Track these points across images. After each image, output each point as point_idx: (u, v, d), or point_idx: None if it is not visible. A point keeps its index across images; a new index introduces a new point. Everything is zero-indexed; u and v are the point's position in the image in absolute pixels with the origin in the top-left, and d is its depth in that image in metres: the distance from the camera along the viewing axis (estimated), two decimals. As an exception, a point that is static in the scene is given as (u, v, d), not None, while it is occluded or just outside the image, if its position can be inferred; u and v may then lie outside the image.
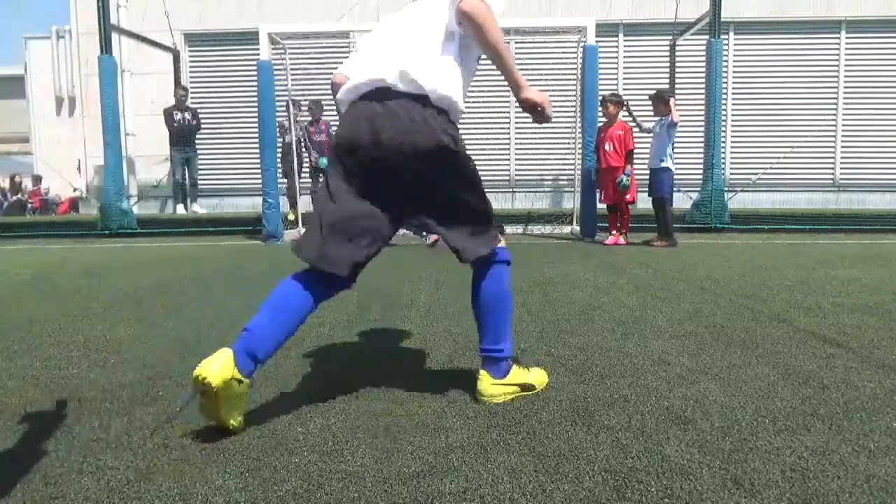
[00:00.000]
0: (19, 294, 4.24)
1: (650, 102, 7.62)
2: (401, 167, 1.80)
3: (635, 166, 7.49)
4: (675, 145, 7.60)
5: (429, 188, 1.85)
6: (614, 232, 7.61)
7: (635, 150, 7.49)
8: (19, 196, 15.71)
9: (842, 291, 3.94)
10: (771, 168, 11.35)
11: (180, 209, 11.17)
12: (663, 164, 7.33)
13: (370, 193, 1.84)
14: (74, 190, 13.96)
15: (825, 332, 2.83)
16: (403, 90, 1.81)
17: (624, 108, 7.64)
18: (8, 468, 1.52)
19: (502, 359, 1.99)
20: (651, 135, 7.54)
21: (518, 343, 2.66)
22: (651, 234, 7.54)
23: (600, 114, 8.10)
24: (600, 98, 8.05)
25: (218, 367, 1.65)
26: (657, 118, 7.48)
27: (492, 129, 11.92)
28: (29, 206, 15.43)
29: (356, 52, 2.16)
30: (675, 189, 7.87)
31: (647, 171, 7.55)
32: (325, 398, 2.00)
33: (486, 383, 1.95)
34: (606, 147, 7.54)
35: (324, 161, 8.15)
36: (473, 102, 11.92)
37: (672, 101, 7.36)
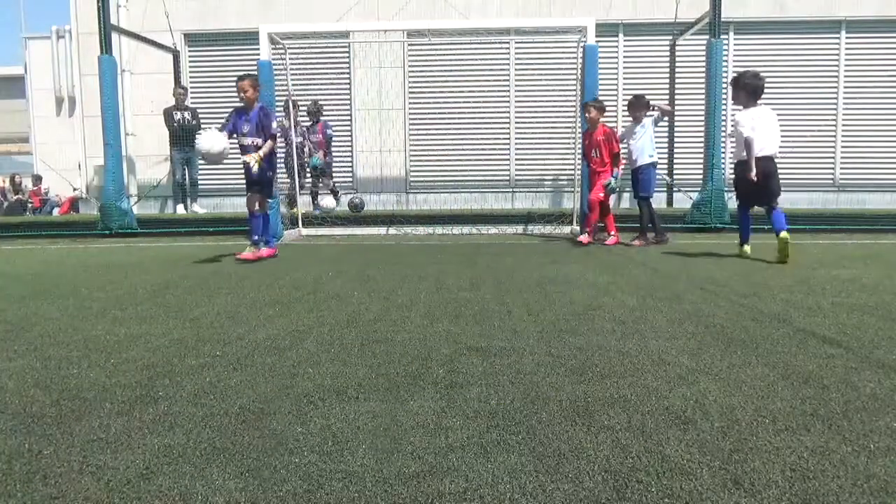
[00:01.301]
0: (19, 294, 4.24)
1: (628, 109, 7.70)
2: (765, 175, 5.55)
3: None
4: (676, 146, 7.63)
5: (771, 180, 5.61)
6: (613, 232, 7.61)
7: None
8: (20, 196, 15.68)
9: (842, 291, 3.94)
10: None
11: (180, 209, 11.18)
12: (652, 159, 7.39)
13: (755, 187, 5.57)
14: (74, 190, 13.96)
15: (825, 332, 2.83)
16: (771, 155, 5.63)
17: (652, 108, 7.66)
18: (8, 468, 1.52)
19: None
20: (631, 139, 7.57)
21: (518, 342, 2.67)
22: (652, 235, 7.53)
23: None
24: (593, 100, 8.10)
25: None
26: (633, 122, 7.54)
27: (492, 129, 11.93)
28: (29, 205, 15.42)
29: (749, 128, 5.56)
30: (675, 189, 7.92)
31: (634, 172, 7.57)
32: (325, 398, 2.00)
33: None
34: (593, 154, 7.55)
35: (316, 160, 8.08)
36: (475, 104, 11.92)
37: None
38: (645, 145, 7.42)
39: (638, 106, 7.48)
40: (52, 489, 1.41)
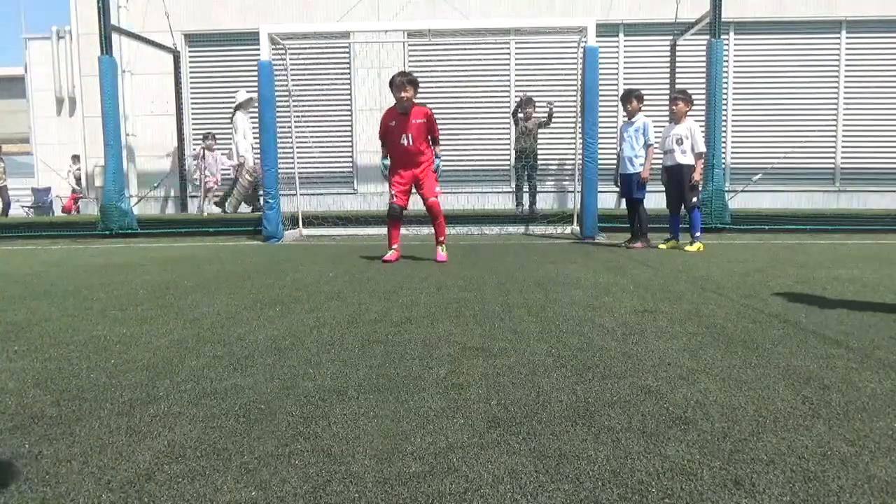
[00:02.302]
0: (19, 294, 4.24)
1: (622, 102, 7.51)
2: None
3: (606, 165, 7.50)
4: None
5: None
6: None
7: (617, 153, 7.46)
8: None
9: (842, 291, 3.94)
10: (772, 168, 11.36)
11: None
12: (642, 166, 7.24)
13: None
14: (78, 193, 14.01)
15: (825, 332, 2.83)
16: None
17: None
18: (8, 469, 1.52)
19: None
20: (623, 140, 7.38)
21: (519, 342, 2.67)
22: (651, 236, 7.52)
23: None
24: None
25: None
26: (627, 119, 7.42)
27: (493, 129, 11.93)
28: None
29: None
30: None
31: (620, 175, 7.41)
32: (326, 398, 2.00)
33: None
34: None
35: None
36: (475, 104, 11.92)
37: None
38: (635, 152, 7.29)
39: (635, 100, 7.32)
40: (52, 489, 1.41)
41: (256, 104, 10.50)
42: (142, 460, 1.55)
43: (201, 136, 11.52)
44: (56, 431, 1.75)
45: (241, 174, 10.68)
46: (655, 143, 7.28)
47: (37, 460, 1.56)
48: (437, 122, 6.04)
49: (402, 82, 5.74)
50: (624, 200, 7.68)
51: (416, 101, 5.84)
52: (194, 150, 11.73)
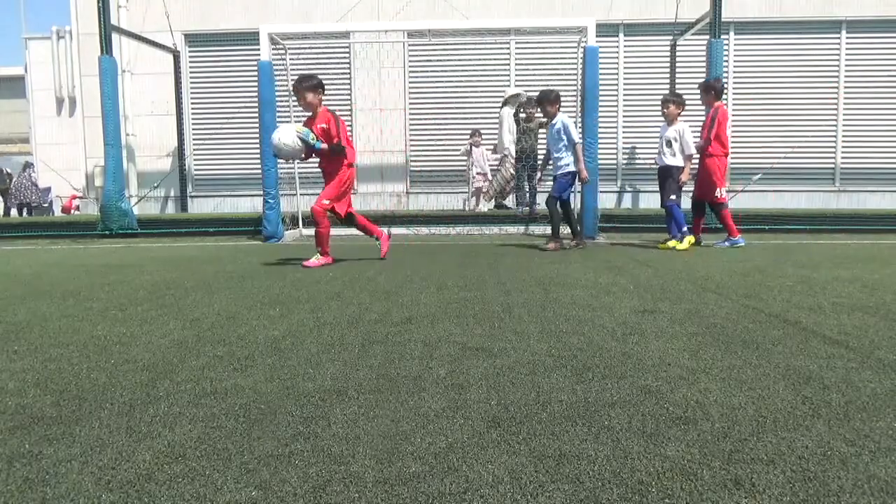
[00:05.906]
0: (20, 294, 4.24)
1: (539, 106, 7.35)
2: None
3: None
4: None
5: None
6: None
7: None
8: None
9: (842, 291, 3.93)
10: (772, 168, 11.36)
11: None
12: (567, 165, 7.01)
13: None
14: (78, 192, 14.02)
15: (825, 332, 2.83)
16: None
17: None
18: (8, 469, 1.52)
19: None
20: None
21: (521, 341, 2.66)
22: (650, 236, 7.52)
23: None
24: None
25: None
26: (546, 119, 7.30)
27: (493, 129, 11.92)
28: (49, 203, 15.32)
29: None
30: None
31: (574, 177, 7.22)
32: (326, 398, 2.00)
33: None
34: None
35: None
36: (475, 104, 11.92)
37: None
38: (571, 153, 7.01)
39: (550, 103, 7.05)
40: (52, 489, 1.41)
41: (524, 99, 10.26)
42: (142, 460, 1.55)
43: (468, 133, 11.08)
44: (56, 431, 1.75)
45: (503, 166, 10.49)
46: (579, 141, 7.07)
47: (37, 460, 1.56)
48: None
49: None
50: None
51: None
52: (461, 148, 11.39)
